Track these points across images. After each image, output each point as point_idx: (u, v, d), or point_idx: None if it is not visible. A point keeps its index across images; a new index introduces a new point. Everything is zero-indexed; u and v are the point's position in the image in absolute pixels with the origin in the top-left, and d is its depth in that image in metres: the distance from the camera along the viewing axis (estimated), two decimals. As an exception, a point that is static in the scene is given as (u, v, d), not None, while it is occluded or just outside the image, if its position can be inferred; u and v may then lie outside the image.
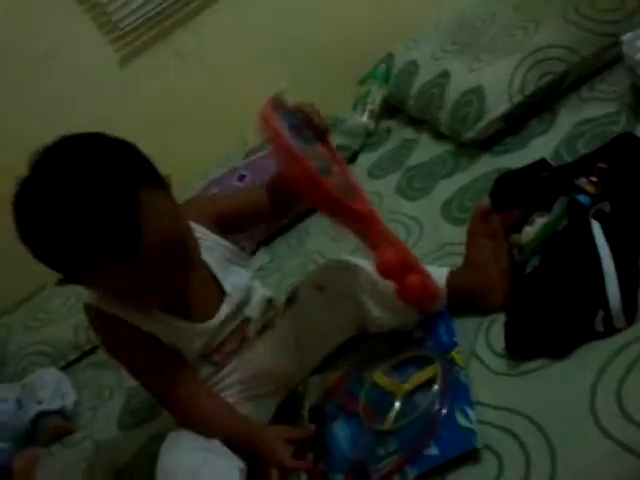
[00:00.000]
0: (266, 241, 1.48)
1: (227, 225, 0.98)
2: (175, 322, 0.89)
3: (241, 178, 1.48)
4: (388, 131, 1.63)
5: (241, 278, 0.98)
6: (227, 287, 0.94)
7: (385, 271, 0.83)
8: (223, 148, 1.75)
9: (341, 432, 0.85)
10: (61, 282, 0.83)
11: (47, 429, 1.26)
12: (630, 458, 0.61)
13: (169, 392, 0.89)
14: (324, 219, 1.38)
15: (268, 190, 0.98)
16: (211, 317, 0.92)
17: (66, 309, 1.58)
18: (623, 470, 0.61)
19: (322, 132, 0.85)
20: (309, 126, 0.84)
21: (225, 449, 0.84)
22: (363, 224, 0.83)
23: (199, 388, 0.91)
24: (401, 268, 0.83)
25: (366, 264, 0.95)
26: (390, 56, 1.73)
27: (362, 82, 1.79)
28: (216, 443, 0.84)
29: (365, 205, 0.84)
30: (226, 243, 0.97)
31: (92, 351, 1.52)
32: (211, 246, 0.95)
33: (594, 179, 0.82)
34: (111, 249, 0.73)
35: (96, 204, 0.73)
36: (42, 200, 0.74)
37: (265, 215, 1.00)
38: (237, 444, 0.85)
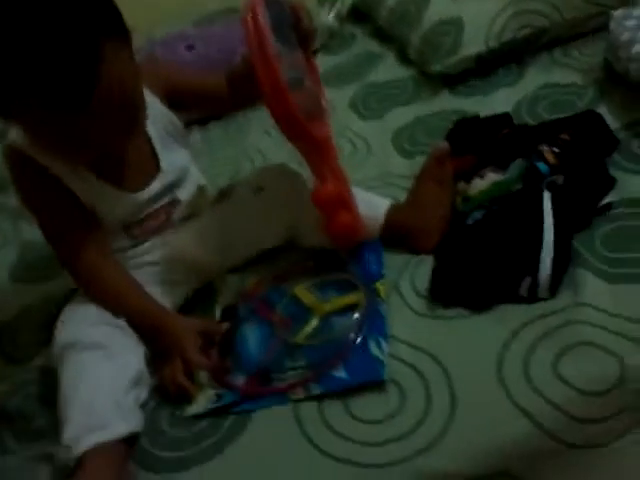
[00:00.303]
0: (202, 121, 1.40)
1: (177, 100, 0.92)
2: (101, 185, 0.84)
3: (189, 48, 1.37)
4: (352, 37, 1.56)
5: (180, 157, 0.93)
6: (163, 164, 0.90)
7: (319, 202, 0.81)
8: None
9: (251, 335, 0.84)
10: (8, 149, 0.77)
11: None
12: (524, 421, 0.65)
13: (76, 254, 0.84)
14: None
15: (228, 78, 0.92)
16: (141, 189, 0.88)
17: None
18: (517, 431, 0.65)
19: (307, 39, 0.81)
20: (295, 28, 0.78)
21: (130, 330, 0.82)
22: (315, 150, 0.81)
23: (109, 257, 0.87)
24: (335, 204, 0.81)
25: (301, 175, 0.94)
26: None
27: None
28: (121, 322, 0.82)
29: (324, 132, 0.81)
30: (173, 117, 0.92)
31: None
32: (156, 116, 0.90)
33: (556, 150, 0.83)
34: (62, 95, 0.67)
35: (58, 43, 0.65)
36: None
37: (220, 103, 0.98)
38: (141, 325, 0.83)
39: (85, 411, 0.71)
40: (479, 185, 0.86)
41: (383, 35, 1.49)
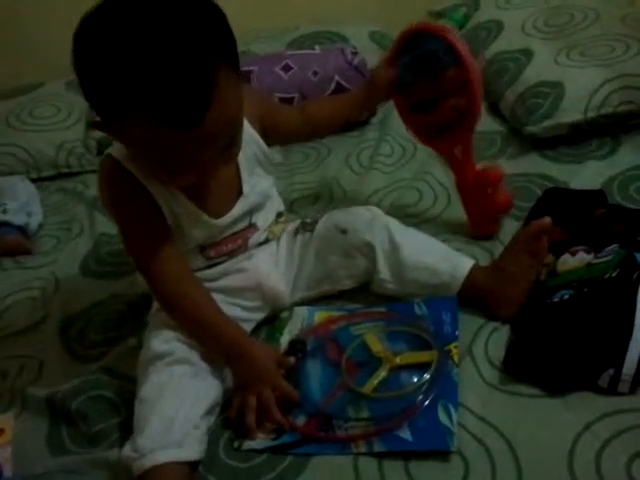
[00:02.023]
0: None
1: (265, 129, 0.94)
2: (189, 206, 0.85)
3: (286, 69, 1.38)
4: (442, 81, 1.55)
5: (262, 183, 0.94)
6: (245, 187, 0.90)
7: (492, 180, 0.99)
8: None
9: (315, 374, 0.84)
10: (96, 125, 0.78)
11: (5, 241, 1.20)
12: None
13: (159, 266, 0.83)
14: (348, 143, 1.33)
15: (306, 114, 1.01)
16: (223, 214, 0.88)
17: (55, 123, 1.48)
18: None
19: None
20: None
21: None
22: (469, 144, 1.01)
23: (190, 273, 0.86)
24: (500, 183, 0.99)
25: (392, 221, 0.94)
26: (476, 3, 1.62)
27: (435, 15, 1.68)
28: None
29: None
30: (261, 143, 0.93)
31: (67, 176, 1.45)
32: (246, 140, 0.90)
33: (656, 243, 0.81)
34: (177, 111, 0.68)
35: (181, 62, 0.67)
36: (122, 35, 0.67)
37: (295, 137, 1.07)
38: (218, 345, 0.82)
39: (165, 425, 0.72)
40: (569, 263, 0.84)
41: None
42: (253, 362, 0.80)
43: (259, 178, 0.93)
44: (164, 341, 0.81)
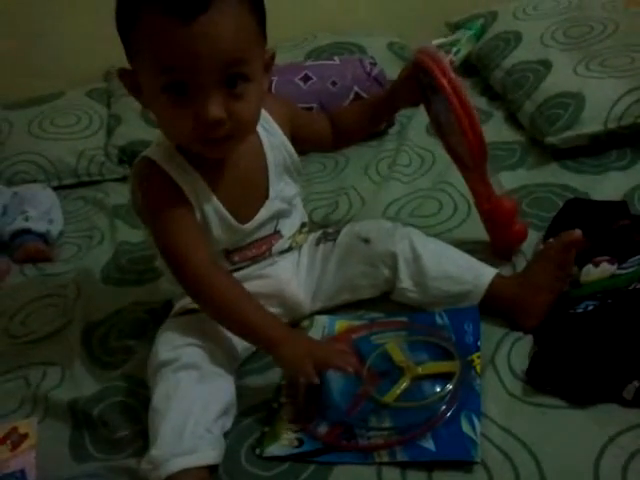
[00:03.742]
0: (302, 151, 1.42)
1: (294, 136, 0.95)
2: (219, 208, 0.86)
3: (306, 79, 1.39)
4: (460, 91, 1.56)
5: (288, 190, 0.95)
6: (272, 192, 0.91)
7: (503, 215, 0.97)
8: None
9: (337, 383, 0.83)
10: (121, 73, 0.82)
11: (26, 248, 1.21)
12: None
13: (195, 257, 0.82)
14: (367, 153, 1.35)
15: (335, 121, 1.03)
16: (249, 219, 0.89)
17: (76, 132, 1.50)
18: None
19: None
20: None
21: (221, 354, 0.83)
22: (484, 176, 0.97)
23: (222, 269, 0.86)
24: (514, 215, 0.97)
25: (413, 230, 0.94)
26: (493, 14, 1.62)
27: (452, 27, 1.69)
28: (213, 345, 0.83)
29: None
30: (292, 150, 0.94)
31: (87, 184, 1.47)
32: (277, 146, 0.93)
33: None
34: (176, 4, 0.71)
35: None
36: None
37: (322, 146, 1.08)
38: (267, 335, 0.80)
39: (177, 432, 0.72)
40: (593, 273, 0.84)
41: (492, 93, 1.48)
42: (301, 342, 0.80)
43: (285, 185, 0.94)
44: (171, 348, 0.81)
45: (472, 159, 0.94)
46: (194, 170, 0.85)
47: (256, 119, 0.84)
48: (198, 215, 0.86)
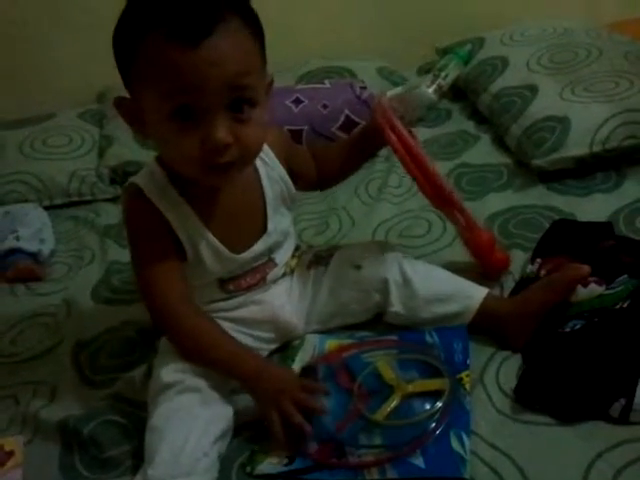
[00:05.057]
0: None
1: (290, 171, 0.95)
2: (210, 239, 0.86)
3: (297, 102, 1.41)
4: (448, 114, 1.59)
5: (284, 221, 0.95)
6: (270, 225, 0.92)
7: (480, 248, 0.98)
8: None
9: (325, 401, 0.84)
10: (116, 102, 0.82)
11: (17, 268, 1.21)
12: None
13: (167, 295, 0.83)
14: (357, 174, 1.35)
15: (321, 161, 1.01)
16: (244, 250, 0.90)
17: (67, 152, 1.51)
18: None
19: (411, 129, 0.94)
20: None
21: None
22: (457, 209, 0.98)
23: (194, 306, 0.86)
24: (492, 246, 0.99)
25: (402, 255, 0.96)
26: (480, 40, 1.65)
27: (440, 52, 1.72)
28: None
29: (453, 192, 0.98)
30: (289, 183, 0.94)
31: (79, 204, 1.47)
32: (275, 179, 0.93)
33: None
34: (179, 30, 0.72)
35: None
36: None
37: (309, 183, 1.01)
38: (240, 371, 0.82)
39: (175, 453, 0.72)
40: (581, 293, 0.85)
41: (480, 117, 1.51)
42: (271, 377, 0.80)
43: (282, 217, 0.95)
44: (173, 370, 0.81)
45: (430, 201, 0.97)
46: (186, 203, 0.85)
47: (261, 144, 0.83)
48: (188, 246, 0.85)
